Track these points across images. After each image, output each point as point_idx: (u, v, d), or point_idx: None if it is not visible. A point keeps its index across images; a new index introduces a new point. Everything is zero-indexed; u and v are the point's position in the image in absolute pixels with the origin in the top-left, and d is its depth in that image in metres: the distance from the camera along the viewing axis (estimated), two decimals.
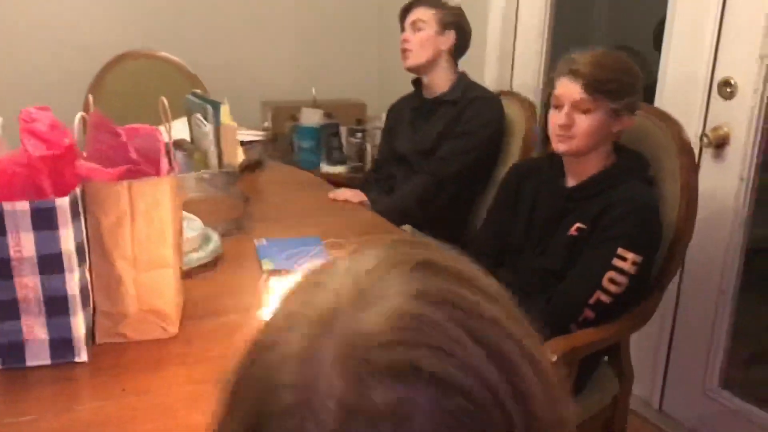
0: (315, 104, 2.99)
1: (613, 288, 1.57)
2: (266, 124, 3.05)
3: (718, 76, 2.08)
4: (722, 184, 2.08)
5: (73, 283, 1.04)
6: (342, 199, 1.99)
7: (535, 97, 2.72)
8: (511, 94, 2.41)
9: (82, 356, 1.07)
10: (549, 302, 1.61)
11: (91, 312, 1.11)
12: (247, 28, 3.39)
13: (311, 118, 2.89)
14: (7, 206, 0.98)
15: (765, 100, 1.99)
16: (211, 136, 1.59)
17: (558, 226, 1.70)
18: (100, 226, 1.07)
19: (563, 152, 1.67)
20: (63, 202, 1.00)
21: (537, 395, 0.39)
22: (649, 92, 2.06)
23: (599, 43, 2.25)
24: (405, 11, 2.31)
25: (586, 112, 1.61)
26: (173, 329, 1.16)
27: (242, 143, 1.85)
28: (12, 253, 1.00)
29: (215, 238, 1.49)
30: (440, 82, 2.26)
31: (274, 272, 1.43)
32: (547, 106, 1.91)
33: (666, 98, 2.22)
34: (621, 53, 1.72)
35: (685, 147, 1.74)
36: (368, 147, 2.85)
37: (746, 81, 2.01)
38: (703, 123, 2.13)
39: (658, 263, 1.69)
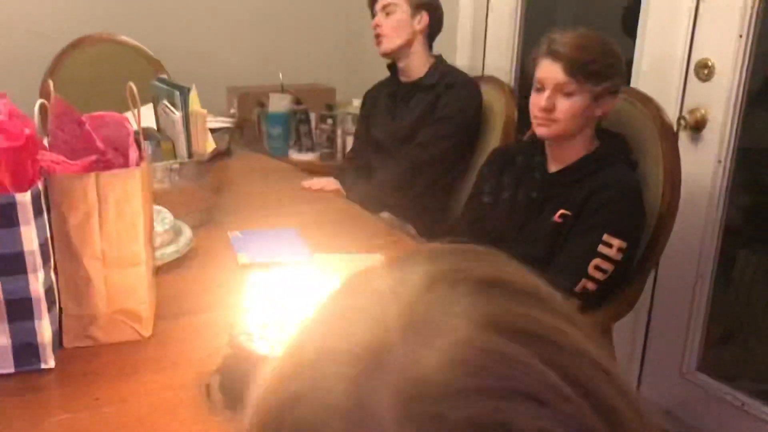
0: (282, 90, 2.90)
1: (598, 275, 1.54)
2: (232, 111, 2.96)
3: (695, 58, 2.06)
4: (700, 167, 2.06)
5: (37, 284, 0.96)
6: (316, 188, 1.93)
7: (508, 80, 2.68)
8: (489, 78, 2.36)
9: (49, 363, 1.00)
10: None
11: (58, 315, 1.03)
12: (211, 11, 3.27)
13: (279, 104, 2.80)
14: None
15: (743, 82, 1.97)
16: (180, 124, 1.50)
17: (540, 212, 1.66)
18: (65, 223, 0.99)
19: (544, 136, 1.63)
20: (24, 198, 0.92)
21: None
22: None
23: (570, 23, 2.21)
24: None
25: (568, 95, 1.57)
26: (147, 331, 1.09)
27: (211, 131, 1.77)
28: None
29: (187, 231, 1.42)
30: (417, 66, 2.21)
31: (251, 266, 1.36)
32: (522, 89, 1.88)
33: (642, 81, 2.19)
34: (602, 34, 1.68)
35: (667, 130, 1.71)
36: (339, 133, 2.78)
37: (724, 62, 1.99)
38: (680, 105, 2.10)
39: (641, 248, 1.66)
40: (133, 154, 1.09)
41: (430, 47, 2.24)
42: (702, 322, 2.18)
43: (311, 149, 2.84)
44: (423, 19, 2.20)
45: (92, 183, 0.99)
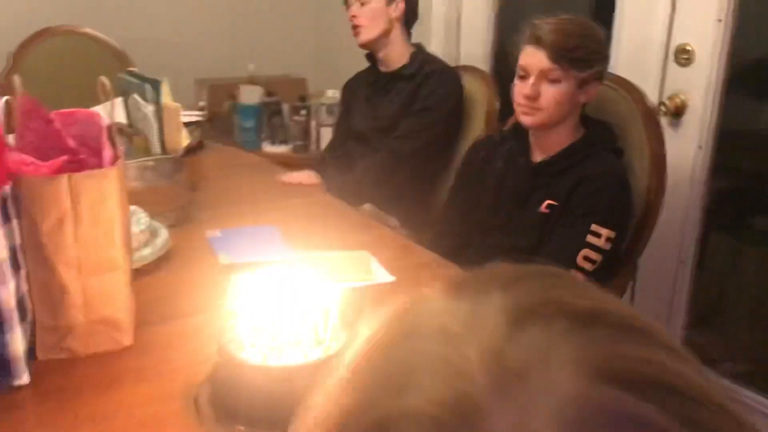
0: (253, 81, 2.83)
1: (587, 266, 1.51)
2: (202, 104, 2.88)
3: (675, 43, 2.04)
4: (680, 152, 2.04)
5: (7, 294, 0.90)
6: (295, 183, 1.87)
7: (484, 68, 2.64)
8: (468, 68, 2.32)
9: (23, 378, 0.93)
10: None
11: (31, 327, 0.97)
12: (175, 2, 3.18)
13: (251, 96, 2.73)
14: None
15: (723, 67, 1.96)
16: (152, 119, 1.44)
17: (526, 203, 1.62)
18: (37, 229, 0.92)
19: (529, 125, 1.59)
20: None
21: None
22: None
23: (543, 11, 2.16)
24: None
25: (553, 81, 1.53)
26: (127, 339, 1.03)
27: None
28: None
29: (163, 232, 1.35)
30: (396, 55, 2.15)
31: (233, 267, 1.31)
32: (498, 77, 1.84)
33: (621, 66, 2.16)
34: (585, 19, 1.65)
35: (650, 116, 1.69)
36: (313, 125, 2.72)
37: (704, 47, 1.97)
38: (659, 91, 2.08)
39: (627, 237, 1.64)
40: (107, 152, 1.02)
41: (409, 35, 2.19)
42: (684, 307, 2.18)
43: (284, 142, 2.78)
44: (399, 6, 2.15)
45: (65, 185, 0.93)
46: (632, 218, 1.61)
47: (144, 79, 1.50)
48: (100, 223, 0.96)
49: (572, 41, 1.52)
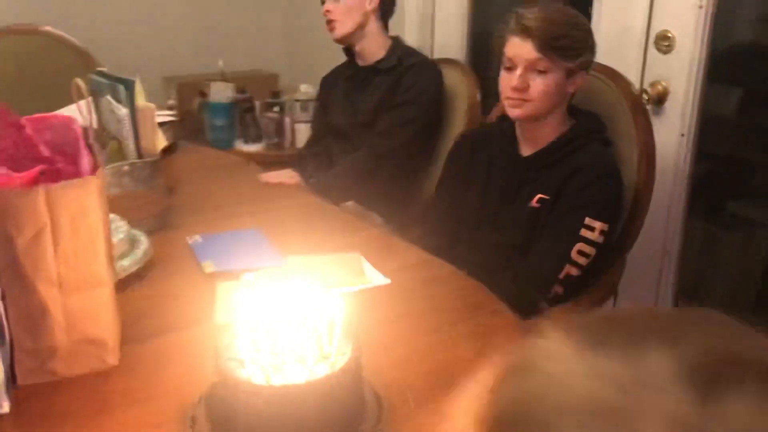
0: (224, 78, 2.75)
1: (581, 260, 1.48)
2: (171, 102, 2.79)
3: (655, 29, 2.02)
4: (663, 140, 2.01)
5: None
6: (275, 182, 1.81)
7: (460, 59, 2.60)
8: (447, 60, 2.27)
9: (3, 407, 0.86)
10: (516, 280, 1.50)
11: (9, 350, 0.90)
12: None
13: (222, 93, 2.65)
14: None
15: (704, 53, 1.94)
16: (127, 122, 1.36)
17: (516, 197, 1.59)
18: (13, 246, 0.86)
19: (518, 117, 1.55)
20: None
21: None
22: None
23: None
24: None
25: (541, 72, 1.49)
26: (113, 359, 0.97)
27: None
28: None
29: (143, 240, 1.29)
30: (374, 48, 2.10)
31: (219, 275, 1.24)
32: (475, 68, 1.80)
33: (601, 54, 2.09)
34: (569, 7, 1.62)
35: (637, 105, 1.67)
36: (288, 122, 2.65)
37: (684, 33, 1.95)
38: (640, 79, 2.06)
39: (618, 229, 1.61)
40: (85, 160, 0.95)
41: (386, 28, 2.14)
42: (671, 297, 2.17)
43: (258, 140, 2.71)
44: None
45: (42, 198, 0.86)
46: (624, 210, 1.58)
47: (116, 79, 1.42)
48: (82, 236, 0.90)
49: (559, 30, 1.48)
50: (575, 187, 1.49)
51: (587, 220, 1.47)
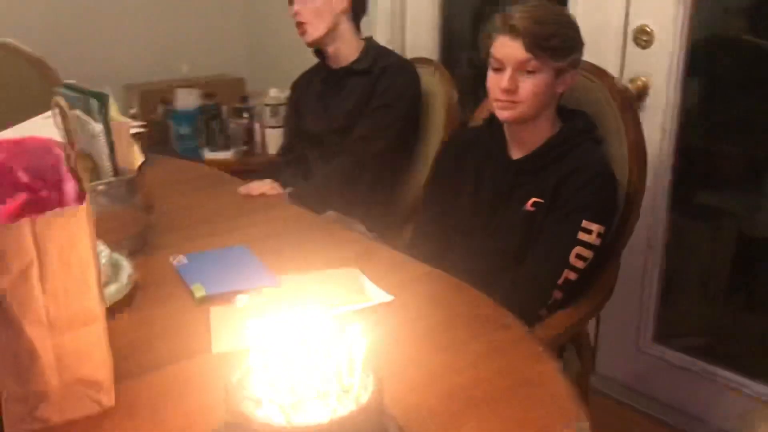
0: (188, 83, 2.65)
1: (580, 264, 1.45)
2: (133, 111, 2.69)
3: (633, 24, 2.00)
4: (645, 136, 2.00)
5: None
6: (256, 194, 1.73)
7: (432, 58, 2.55)
8: (422, 60, 2.22)
9: None
10: (514, 286, 1.46)
11: None
12: (96, 3, 2.94)
13: (187, 100, 2.56)
14: None
15: (684, 47, 1.93)
16: (102, 137, 1.28)
17: (509, 201, 1.55)
18: None
19: (508, 120, 1.51)
20: None
21: None
22: None
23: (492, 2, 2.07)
24: None
25: (531, 73, 1.45)
26: (109, 400, 0.89)
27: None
28: None
29: (126, 264, 1.20)
30: (347, 50, 2.04)
31: (210, 299, 1.17)
32: (448, 68, 1.75)
33: None
34: (555, 5, 1.58)
35: (626, 102, 1.64)
36: (257, 128, 2.57)
37: (663, 27, 1.94)
38: (620, 74, 2.04)
39: (613, 229, 1.58)
40: (69, 185, 0.88)
41: (358, 28, 2.08)
42: (656, 293, 2.16)
43: (226, 147, 2.62)
44: None
45: (27, 231, 0.78)
46: (618, 210, 1.55)
47: (86, 92, 1.33)
48: (72, 269, 0.82)
49: (548, 29, 1.44)
50: (571, 189, 1.46)
51: (584, 223, 1.43)
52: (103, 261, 1.16)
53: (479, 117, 1.78)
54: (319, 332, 0.79)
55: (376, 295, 1.17)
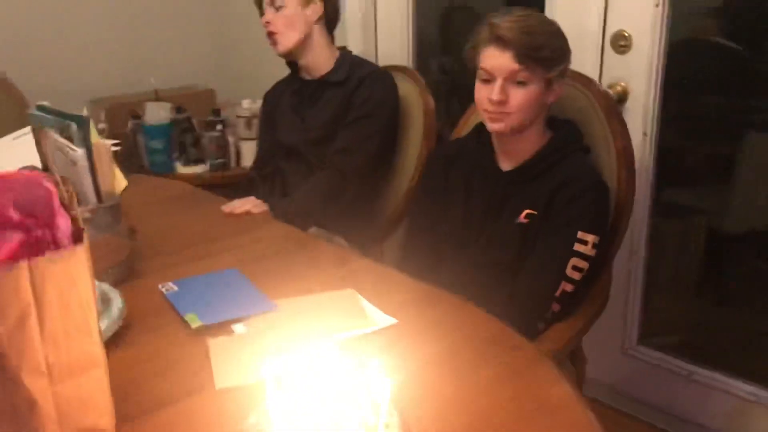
0: (158, 97, 2.58)
1: (576, 275, 1.44)
2: (101, 126, 2.61)
3: (611, 29, 2.00)
4: None
5: None
6: (240, 212, 1.68)
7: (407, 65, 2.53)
8: (399, 68, 2.19)
9: None
10: (512, 300, 1.44)
11: None
12: (58, 15, 2.84)
13: (157, 113, 2.49)
14: None
15: (662, 51, 1.94)
16: (84, 163, 1.22)
17: (500, 213, 1.53)
18: None
19: (500, 131, 1.49)
20: None
21: None
22: None
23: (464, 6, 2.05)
24: None
25: (520, 84, 1.44)
26: None
27: None
28: None
29: (116, 296, 1.15)
30: (320, 61, 1.99)
31: (207, 329, 1.13)
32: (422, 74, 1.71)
33: None
34: (542, 14, 1.57)
35: (612, 111, 1.63)
36: (232, 141, 2.52)
37: (641, 32, 1.94)
38: (598, 80, 2.04)
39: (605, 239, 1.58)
40: (63, 222, 0.83)
41: (332, 38, 2.04)
42: (640, 297, 2.16)
43: (200, 161, 2.56)
44: (317, 8, 1.98)
45: (25, 275, 0.73)
46: (610, 218, 1.54)
47: (64, 115, 1.27)
48: (72, 313, 0.77)
49: (538, 40, 1.43)
50: (564, 200, 1.44)
51: (580, 234, 1.42)
52: None
53: (460, 132, 1.76)
54: (338, 371, 0.76)
55: (379, 318, 1.14)
